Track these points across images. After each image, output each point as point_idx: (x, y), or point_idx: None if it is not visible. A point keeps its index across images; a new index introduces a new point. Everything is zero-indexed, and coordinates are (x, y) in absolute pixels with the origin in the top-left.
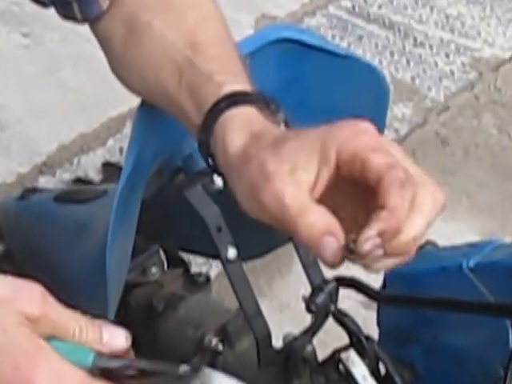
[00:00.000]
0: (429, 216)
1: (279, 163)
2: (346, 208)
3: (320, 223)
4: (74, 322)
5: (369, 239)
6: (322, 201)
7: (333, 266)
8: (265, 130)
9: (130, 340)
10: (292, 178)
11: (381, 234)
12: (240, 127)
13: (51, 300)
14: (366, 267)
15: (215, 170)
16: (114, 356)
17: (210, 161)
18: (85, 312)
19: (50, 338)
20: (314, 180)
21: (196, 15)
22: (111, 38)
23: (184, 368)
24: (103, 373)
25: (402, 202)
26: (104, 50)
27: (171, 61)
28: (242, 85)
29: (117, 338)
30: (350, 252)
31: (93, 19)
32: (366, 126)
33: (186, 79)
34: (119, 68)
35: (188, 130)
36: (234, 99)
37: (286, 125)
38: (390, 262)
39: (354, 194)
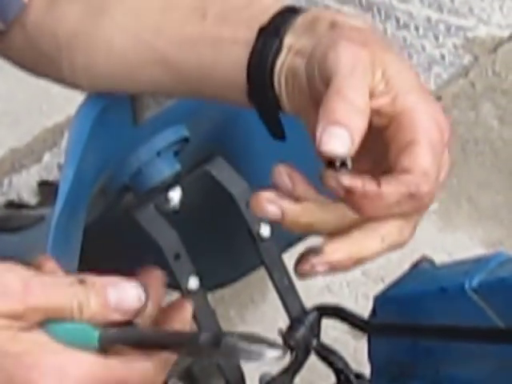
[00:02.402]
0: (389, 241)
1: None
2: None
3: (354, 110)
4: (69, 299)
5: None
6: None
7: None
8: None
9: (143, 298)
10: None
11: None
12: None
13: (36, 281)
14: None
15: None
16: (125, 325)
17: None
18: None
19: (47, 323)
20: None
21: None
22: (64, 21)
23: (205, 336)
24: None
25: (400, 192)
26: (42, 46)
27: (180, 7)
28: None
29: (128, 299)
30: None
31: (15, 18)
32: (445, 122)
33: (214, 13)
34: (83, 47)
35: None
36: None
37: None
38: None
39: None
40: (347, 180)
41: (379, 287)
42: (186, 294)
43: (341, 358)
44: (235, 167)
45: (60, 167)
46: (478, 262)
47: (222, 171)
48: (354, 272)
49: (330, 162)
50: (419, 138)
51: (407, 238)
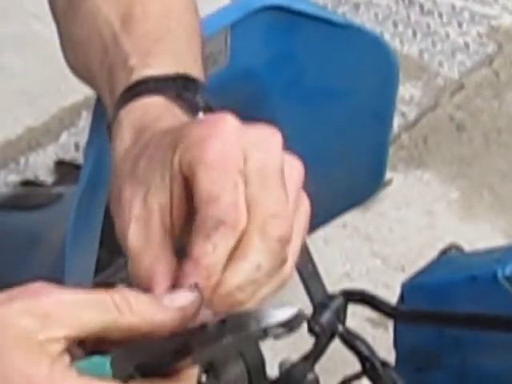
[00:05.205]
0: (256, 258)
1: (134, 186)
2: None
3: (146, 273)
4: None
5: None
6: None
7: None
8: (149, 127)
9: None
10: (144, 206)
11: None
12: (131, 126)
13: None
14: None
15: None
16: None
17: None
18: None
19: None
20: (170, 201)
21: None
22: (55, 9)
23: (212, 324)
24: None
25: (209, 249)
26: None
27: (100, 37)
28: (158, 67)
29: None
30: None
31: None
32: (221, 125)
33: (109, 61)
34: (61, 43)
35: None
36: (139, 89)
37: (209, 111)
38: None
39: None
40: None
41: (399, 276)
42: None
43: (367, 345)
44: None
45: (77, 147)
46: (510, 250)
47: None
48: (374, 260)
49: None
50: (195, 165)
51: (277, 233)
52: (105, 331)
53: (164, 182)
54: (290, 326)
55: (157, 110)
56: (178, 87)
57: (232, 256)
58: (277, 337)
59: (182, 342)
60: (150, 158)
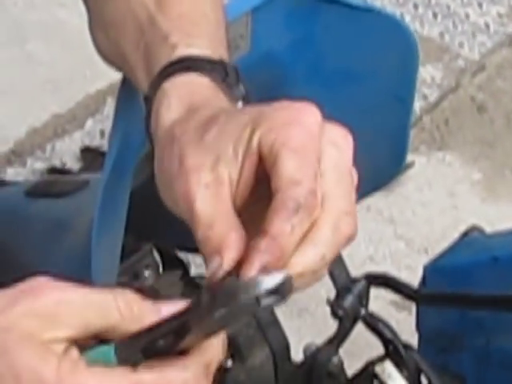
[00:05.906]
0: (324, 249)
1: (201, 154)
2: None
3: (219, 237)
4: None
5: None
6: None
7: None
8: (203, 104)
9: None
10: (213, 174)
11: (265, 268)
12: (180, 98)
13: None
14: None
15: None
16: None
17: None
18: None
19: None
20: (239, 175)
21: None
22: None
23: (205, 296)
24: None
25: (287, 230)
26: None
27: (135, 19)
28: (201, 49)
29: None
30: None
31: None
32: (306, 114)
33: (145, 40)
34: (90, 24)
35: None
36: (184, 64)
37: (246, 101)
38: None
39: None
40: (258, 256)
41: (423, 258)
42: None
43: (389, 328)
44: None
45: (102, 133)
46: None
47: None
48: (397, 243)
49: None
50: (279, 148)
51: (348, 231)
52: (104, 333)
53: (236, 156)
54: (280, 292)
55: (206, 88)
56: (222, 72)
57: (300, 243)
58: (270, 306)
59: (180, 321)
60: (222, 131)
